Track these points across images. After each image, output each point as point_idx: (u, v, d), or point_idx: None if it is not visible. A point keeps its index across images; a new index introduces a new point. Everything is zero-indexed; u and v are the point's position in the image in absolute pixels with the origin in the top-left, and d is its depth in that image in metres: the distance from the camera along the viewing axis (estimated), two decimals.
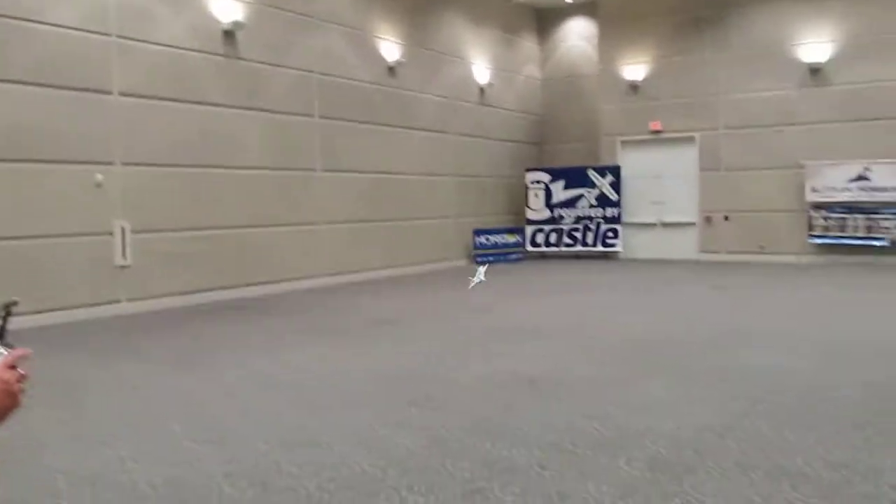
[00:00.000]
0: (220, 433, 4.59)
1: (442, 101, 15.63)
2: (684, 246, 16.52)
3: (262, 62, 11.77)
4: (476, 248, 16.23)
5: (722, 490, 3.50)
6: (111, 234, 9.78)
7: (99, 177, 9.61)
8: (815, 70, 15.14)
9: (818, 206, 15.01)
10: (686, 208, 16.52)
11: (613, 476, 3.71)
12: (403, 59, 14.35)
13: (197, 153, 10.81)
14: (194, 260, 10.76)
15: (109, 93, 9.78)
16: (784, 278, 12.65)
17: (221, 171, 11.14)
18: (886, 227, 14.48)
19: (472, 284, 8.41)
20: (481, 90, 16.82)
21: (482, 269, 8.72)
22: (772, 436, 4.30)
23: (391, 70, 14.23)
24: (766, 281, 12.33)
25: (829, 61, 15.04)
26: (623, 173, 16.70)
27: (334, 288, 12.36)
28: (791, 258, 15.34)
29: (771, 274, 13.30)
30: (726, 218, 16.09)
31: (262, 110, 11.76)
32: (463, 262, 16.15)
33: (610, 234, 16.75)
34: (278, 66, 12.03)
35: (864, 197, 14.61)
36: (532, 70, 18.83)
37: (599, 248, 16.84)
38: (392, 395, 5.45)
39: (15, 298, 1.62)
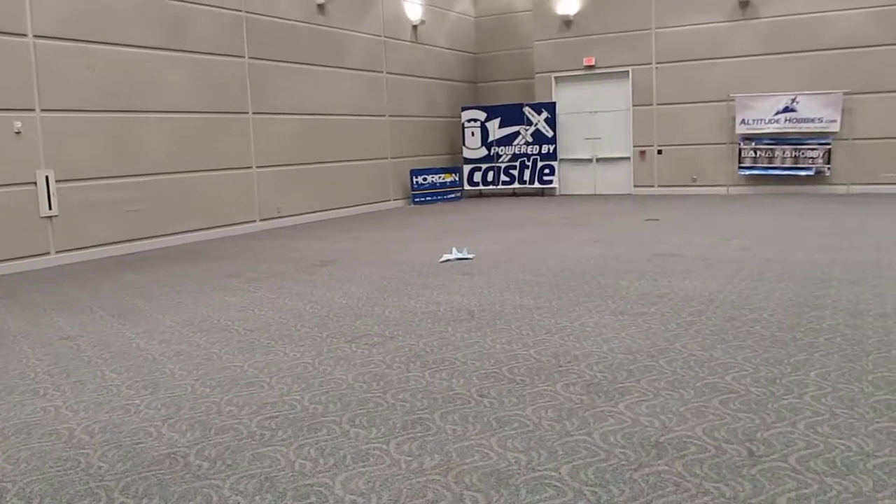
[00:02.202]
0: (156, 378, 4.54)
1: (374, 39, 15.35)
2: (619, 181, 16.76)
3: (187, 1, 11.35)
4: (413, 188, 16.18)
5: (655, 408, 3.62)
6: (34, 184, 9.44)
7: (17, 124, 9.23)
8: (744, 3, 15.29)
9: (747, 138, 15.34)
10: (620, 143, 16.70)
11: (551, 400, 3.80)
12: None
13: (121, 97, 10.44)
14: (123, 208, 10.48)
15: (24, 35, 9.33)
16: (714, 209, 12.96)
17: (148, 115, 10.80)
18: (812, 158, 14.90)
19: (444, 259, 8.36)
20: (414, 28, 16.56)
21: (459, 249, 8.62)
22: (702, 356, 4.45)
23: (321, 7, 13.88)
24: (697, 212, 12.61)
25: None
26: (558, 109, 16.75)
27: (270, 233, 12.21)
28: (722, 190, 15.71)
29: (702, 205, 13.60)
30: (659, 152, 16.33)
31: (189, 51, 11.38)
32: (400, 203, 16.10)
33: (546, 170, 16.85)
34: (203, 4, 11.62)
35: (790, 128, 14.97)
36: (465, 7, 18.58)
37: (536, 185, 16.96)
38: (330, 333, 5.45)
39: None
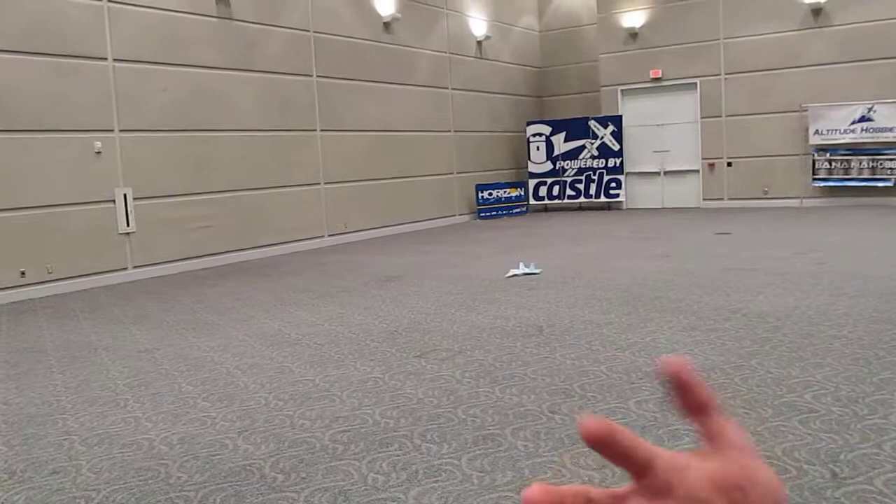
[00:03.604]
0: (231, 391, 4.63)
1: (439, 55, 15.48)
2: (687, 194, 16.48)
3: (256, 22, 11.65)
4: (479, 203, 16.21)
5: None
6: (113, 201, 9.78)
7: (98, 144, 9.58)
8: (816, 10, 14.92)
9: (821, 149, 14.92)
10: (688, 156, 16.43)
11: (623, 417, 3.75)
12: (399, 15, 14.18)
13: (194, 117, 10.75)
14: (197, 224, 10.77)
15: (104, 59, 9.70)
16: (788, 221, 12.63)
17: (220, 134, 11.09)
18: (890, 168, 14.41)
19: (511, 274, 8.37)
20: (479, 44, 16.64)
21: (526, 264, 8.62)
22: (779, 373, 4.33)
23: (387, 26, 14.07)
24: (769, 225, 12.31)
25: (830, 1, 14.81)
26: (624, 122, 16.58)
27: (337, 248, 12.38)
28: (795, 202, 15.30)
29: (775, 218, 13.28)
30: (729, 164, 16.01)
31: (258, 71, 11.66)
32: (466, 218, 16.14)
33: (612, 184, 16.68)
34: (272, 25, 11.90)
35: (867, 138, 14.51)
36: (530, 21, 18.60)
37: (602, 198, 16.80)
38: (399, 347, 5.48)
39: None
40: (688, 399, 0.40)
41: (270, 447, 3.63)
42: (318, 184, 12.70)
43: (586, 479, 2.90)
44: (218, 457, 3.55)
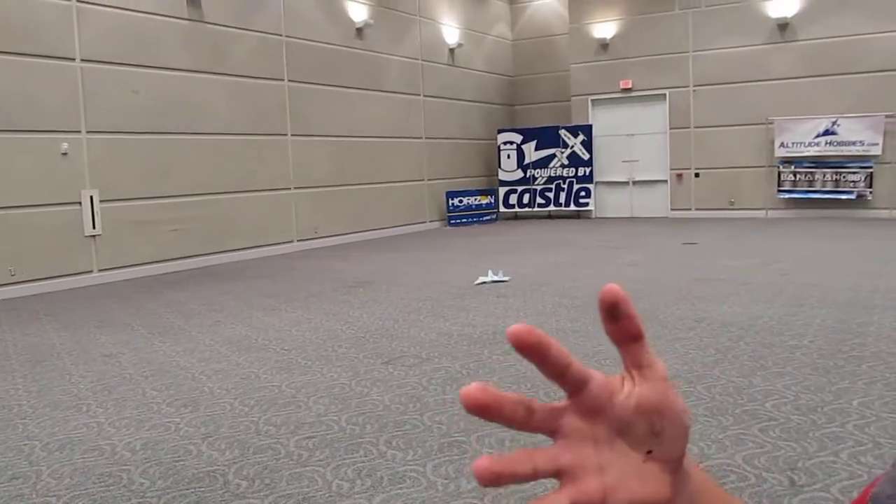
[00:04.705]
0: (196, 396, 4.60)
1: (411, 62, 15.51)
2: (656, 203, 16.66)
3: (228, 25, 11.59)
4: (449, 210, 16.25)
5: (694, 435, 3.58)
6: (79, 203, 9.66)
7: (65, 146, 9.47)
8: (782, 25, 15.19)
9: (786, 161, 15.17)
10: (657, 166, 16.62)
11: None
12: (371, 21, 14.19)
13: (164, 120, 10.66)
14: (164, 227, 10.67)
15: (72, 59, 9.59)
16: (753, 232, 12.81)
17: (188, 137, 11.01)
18: (853, 181, 14.69)
19: (480, 281, 8.39)
20: (451, 51, 16.70)
21: (495, 272, 8.66)
22: (741, 382, 4.40)
23: (359, 32, 14.07)
24: (735, 235, 12.48)
25: (797, 16, 15.09)
26: (594, 132, 16.73)
27: (306, 253, 12.33)
28: (760, 213, 15.53)
29: (741, 228, 13.46)
30: (697, 175, 16.22)
31: (229, 75, 11.60)
32: (436, 225, 16.17)
33: (582, 193, 16.82)
34: (244, 29, 11.85)
35: (831, 151, 14.78)
36: (502, 30, 18.71)
37: (572, 207, 16.92)
38: (367, 354, 5.48)
39: None
40: (621, 328, 0.43)
41: (235, 453, 3.62)
42: (289, 189, 12.65)
43: (550, 486, 2.92)
44: (181, 463, 3.53)
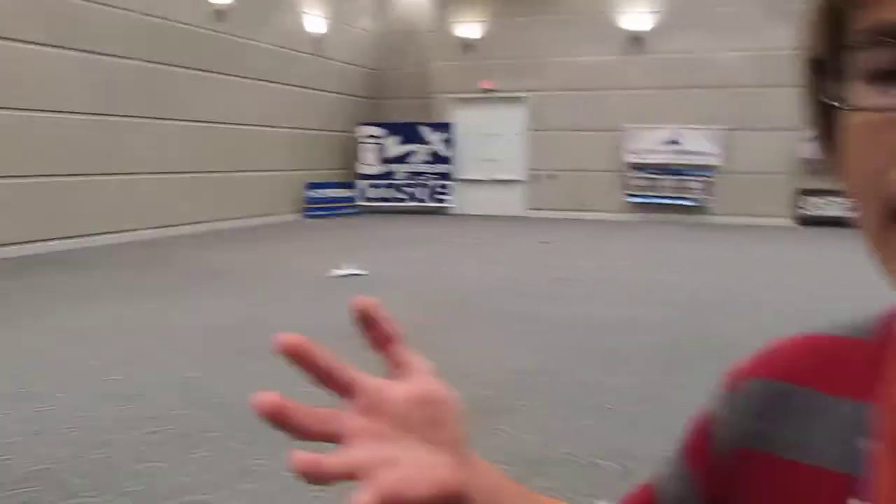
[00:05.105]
0: (29, 390, 4.33)
1: (274, 50, 15.17)
2: (513, 203, 17.11)
3: None
4: (308, 202, 16.03)
5: (538, 427, 3.72)
6: None
7: None
8: (635, 38, 15.96)
9: (635, 167, 15.98)
10: (515, 167, 17.07)
11: None
12: (233, 3, 13.77)
13: (7, 95, 9.92)
14: (4, 210, 9.95)
15: None
16: (603, 234, 13.41)
17: (35, 114, 10.30)
18: (693, 189, 15.66)
19: (336, 274, 8.30)
20: (315, 41, 16.47)
21: (352, 265, 8.58)
22: (585, 377, 4.60)
23: (219, 14, 13.62)
24: (587, 236, 13.02)
25: (649, 31, 15.89)
26: (455, 130, 16.97)
27: (160, 241, 11.84)
28: (610, 215, 16.26)
29: (591, 230, 14.05)
30: (551, 177, 16.78)
31: (82, 51, 10.93)
32: (295, 216, 15.92)
33: (442, 189, 17.03)
34: (100, 4, 11.20)
35: (674, 159, 15.70)
36: (367, 23, 18.63)
37: (432, 203, 17.10)
38: (219, 346, 5.34)
39: None
40: (377, 333, 0.47)
41: (69, 451, 3.43)
42: (145, 174, 12.09)
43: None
44: (8, 461, 3.32)
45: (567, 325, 6.06)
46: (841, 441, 0.48)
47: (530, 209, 16.95)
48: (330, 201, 16.48)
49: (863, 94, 0.39)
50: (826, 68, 0.42)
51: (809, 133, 0.47)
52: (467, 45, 17.19)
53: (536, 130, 16.81)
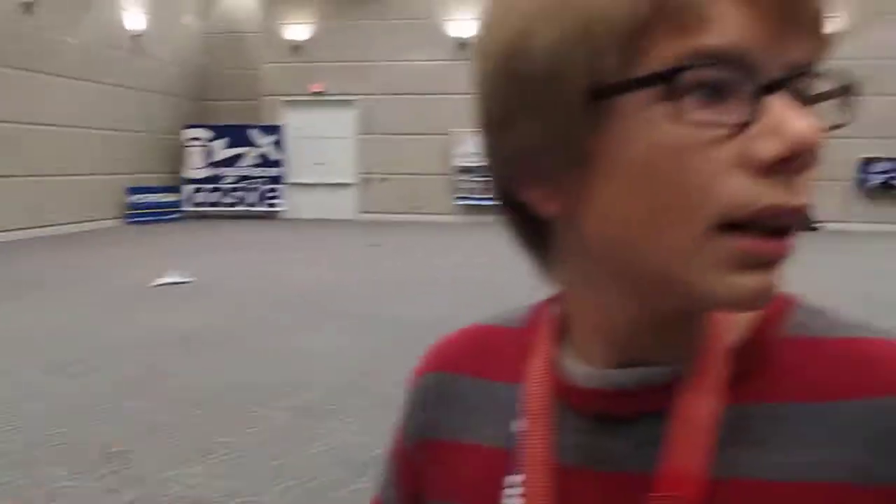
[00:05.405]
0: None
1: (89, 46, 14.37)
2: (345, 206, 17.10)
3: None
4: (130, 207, 15.30)
5: (363, 429, 3.79)
6: None
7: None
8: (462, 44, 16.39)
9: (463, 171, 16.41)
10: (346, 170, 17.08)
11: (261, 425, 3.84)
12: None
13: None
14: None
15: None
16: (434, 236, 13.68)
17: None
18: None
19: (159, 282, 7.96)
20: (134, 37, 15.74)
21: (176, 272, 8.25)
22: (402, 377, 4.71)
23: (27, 7, 12.74)
24: (417, 238, 13.24)
25: (475, 37, 16.33)
26: (286, 133, 16.76)
27: None
28: (440, 217, 16.61)
29: (423, 232, 14.30)
30: (383, 180, 16.93)
31: None
32: (115, 223, 15.15)
33: (273, 193, 16.77)
34: None
35: None
36: (192, 20, 18.01)
37: (263, 207, 16.80)
38: (33, 359, 5.03)
39: None
40: None
41: None
42: None
43: (220, 489, 2.94)
44: None
45: (389, 324, 6.17)
46: (498, 421, 0.55)
47: (362, 212, 17.02)
48: (154, 206, 15.82)
49: (688, 113, 0.41)
50: (615, 91, 0.42)
51: None
52: (296, 47, 17.02)
53: (367, 134, 16.91)
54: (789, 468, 0.46)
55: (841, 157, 15.24)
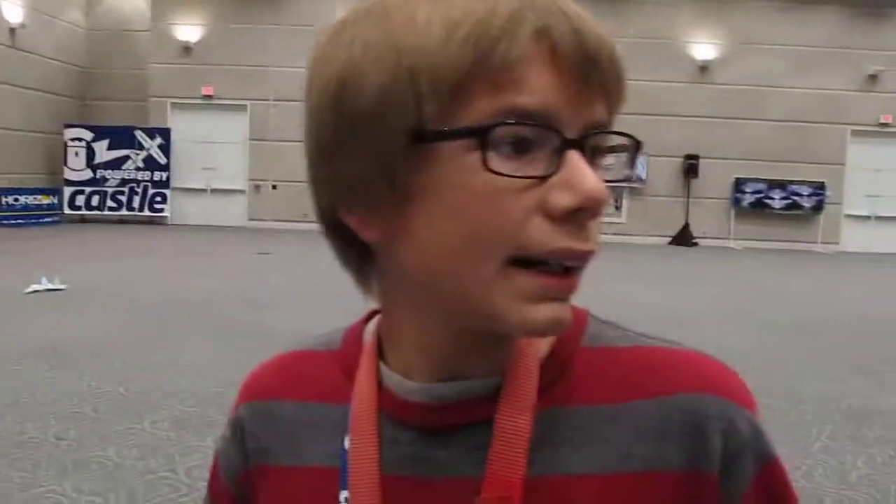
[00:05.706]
0: None
1: None
2: (234, 213, 16.77)
3: None
4: (2, 209, 14.51)
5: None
6: None
7: None
8: None
9: None
10: (236, 176, 16.75)
11: (136, 438, 3.72)
12: None
13: None
14: None
15: None
16: (322, 244, 13.53)
17: None
18: None
19: (31, 290, 7.56)
20: (11, 31, 14.98)
21: (49, 279, 7.85)
22: None
23: None
24: (306, 247, 13.09)
25: None
26: (173, 136, 16.29)
27: None
28: None
29: (312, 241, 14.12)
30: (274, 187, 16.68)
31: None
32: None
33: (158, 198, 16.26)
34: None
35: None
36: (75, 16, 17.29)
37: (146, 212, 16.27)
38: None
39: None
40: None
41: None
42: None
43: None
44: None
45: (274, 335, 6.08)
46: (331, 440, 0.58)
47: (252, 219, 16.71)
48: (28, 209, 15.07)
49: (497, 164, 0.45)
50: (434, 138, 0.46)
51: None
52: (187, 48, 16.59)
53: (258, 140, 16.63)
54: (596, 462, 0.52)
55: (718, 177, 16.10)
